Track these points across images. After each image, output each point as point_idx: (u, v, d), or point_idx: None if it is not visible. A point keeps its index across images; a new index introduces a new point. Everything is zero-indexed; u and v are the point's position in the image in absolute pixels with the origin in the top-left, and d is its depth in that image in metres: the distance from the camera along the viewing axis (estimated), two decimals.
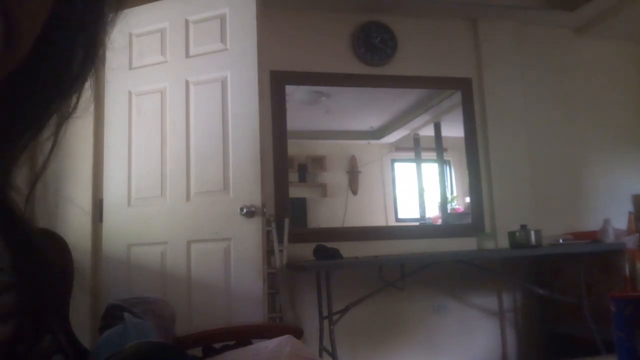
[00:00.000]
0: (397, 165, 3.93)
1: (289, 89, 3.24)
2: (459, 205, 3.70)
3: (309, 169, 3.60)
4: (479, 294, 3.30)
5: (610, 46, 3.86)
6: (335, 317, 2.63)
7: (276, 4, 3.16)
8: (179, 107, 2.46)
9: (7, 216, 0.35)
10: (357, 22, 3.36)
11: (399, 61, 3.40)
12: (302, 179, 3.55)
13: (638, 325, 0.73)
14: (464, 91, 3.49)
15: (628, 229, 3.14)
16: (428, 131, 3.82)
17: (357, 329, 3.04)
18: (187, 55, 2.48)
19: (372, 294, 2.83)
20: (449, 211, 3.68)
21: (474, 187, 3.42)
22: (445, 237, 3.31)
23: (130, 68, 2.57)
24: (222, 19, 2.43)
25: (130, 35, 2.58)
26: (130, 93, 2.56)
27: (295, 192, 3.30)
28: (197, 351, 1.70)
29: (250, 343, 1.61)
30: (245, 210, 2.23)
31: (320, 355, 2.71)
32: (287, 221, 2.92)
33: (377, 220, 3.69)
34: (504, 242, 3.09)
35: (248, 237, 2.26)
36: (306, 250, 2.84)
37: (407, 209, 3.80)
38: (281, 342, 1.23)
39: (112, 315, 1.44)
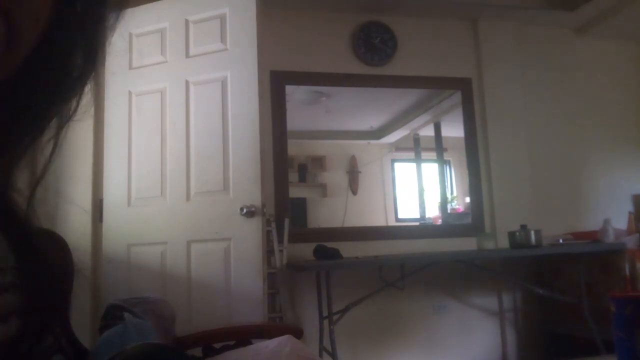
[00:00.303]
0: (397, 165, 3.93)
1: (289, 89, 3.24)
2: (459, 205, 3.69)
3: (309, 169, 3.60)
4: (479, 294, 3.30)
5: (610, 46, 3.87)
6: (335, 317, 2.63)
7: (276, 4, 3.16)
8: (179, 107, 2.46)
9: (9, 217, 0.35)
10: (357, 22, 3.36)
11: (399, 61, 3.40)
12: (302, 179, 3.55)
13: (638, 325, 0.73)
14: (464, 91, 3.49)
15: (628, 229, 3.14)
16: (428, 131, 3.82)
17: (357, 329, 3.04)
18: (187, 55, 2.48)
19: (372, 294, 2.83)
20: (449, 211, 3.68)
21: (474, 187, 3.42)
22: (445, 237, 3.31)
23: (130, 68, 2.57)
24: (222, 19, 2.43)
25: (130, 35, 2.58)
26: (130, 93, 2.56)
27: (295, 192, 3.30)
28: (197, 351, 1.70)
29: (250, 343, 1.61)
30: (245, 210, 2.23)
31: (320, 355, 2.71)
32: (287, 221, 2.92)
33: (377, 220, 3.69)
34: (504, 242, 3.09)
35: (248, 237, 2.26)
36: (306, 250, 2.84)
37: (407, 209, 3.80)
38: (281, 342, 1.23)
39: (112, 315, 1.43)
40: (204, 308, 2.26)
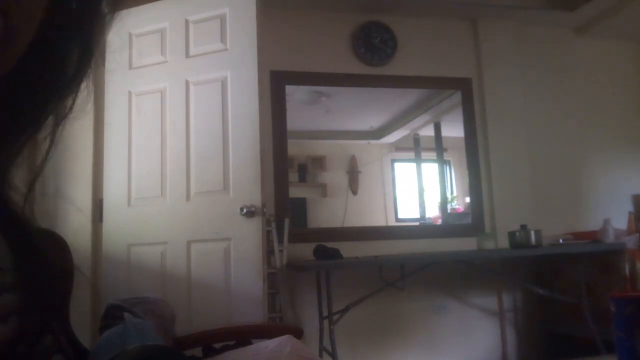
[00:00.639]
0: (397, 165, 3.93)
1: (289, 89, 3.24)
2: (459, 205, 3.70)
3: (309, 169, 3.60)
4: (479, 294, 3.30)
5: (610, 46, 3.86)
6: (335, 317, 2.63)
7: (276, 4, 3.16)
8: (179, 107, 2.46)
9: (8, 216, 0.35)
10: (357, 22, 3.36)
11: (399, 61, 3.39)
12: (302, 179, 3.55)
13: (638, 325, 0.73)
14: (464, 91, 3.49)
15: (628, 229, 3.14)
16: (428, 131, 3.82)
17: (357, 329, 3.04)
18: (187, 55, 2.48)
19: (372, 294, 2.83)
20: (449, 211, 3.68)
21: (474, 187, 3.42)
22: (445, 237, 3.31)
23: (130, 68, 2.57)
24: (222, 19, 2.43)
25: (130, 35, 2.58)
26: (130, 93, 2.56)
27: (295, 192, 3.30)
28: (197, 351, 1.70)
29: (250, 343, 1.61)
30: (245, 210, 2.23)
31: (320, 355, 2.71)
32: (287, 221, 2.92)
33: (377, 220, 3.69)
34: (504, 242, 3.09)
35: (248, 237, 2.26)
36: (306, 250, 2.84)
37: (407, 209, 3.80)
38: (281, 342, 1.23)
39: (112, 315, 1.43)
40: (204, 308, 2.26)
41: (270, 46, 2.94)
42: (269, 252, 2.67)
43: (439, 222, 3.64)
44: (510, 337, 3.32)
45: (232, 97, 2.38)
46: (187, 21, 2.49)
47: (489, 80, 3.48)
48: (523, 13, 3.47)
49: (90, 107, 2.55)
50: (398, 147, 3.94)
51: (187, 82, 2.46)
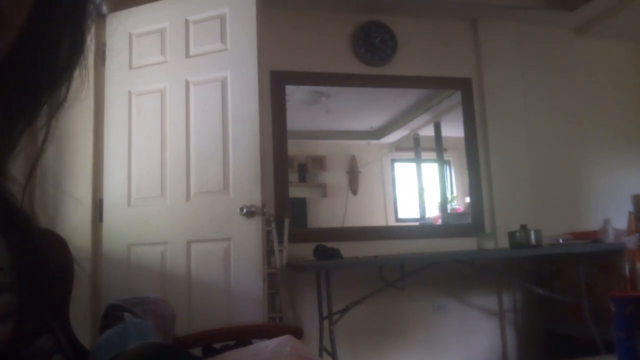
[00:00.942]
0: (397, 165, 3.93)
1: (289, 89, 3.24)
2: (459, 205, 3.69)
3: (309, 169, 3.60)
4: (479, 294, 3.30)
5: (610, 46, 3.86)
6: (335, 317, 2.63)
7: (276, 4, 3.16)
8: (179, 107, 2.46)
9: (9, 216, 0.35)
10: (357, 22, 3.36)
11: (399, 61, 3.39)
12: (302, 179, 3.55)
13: (638, 325, 0.73)
14: (464, 91, 3.49)
15: (628, 229, 3.14)
16: (428, 131, 3.82)
17: (357, 329, 3.04)
18: (187, 55, 2.48)
19: (372, 294, 2.83)
20: (449, 211, 3.68)
21: (474, 187, 3.42)
22: (445, 237, 3.31)
23: (130, 68, 2.57)
24: (222, 19, 2.43)
25: (130, 35, 2.58)
26: (130, 93, 2.56)
27: (295, 192, 3.30)
28: (197, 351, 1.70)
29: (250, 343, 1.61)
30: (245, 210, 2.23)
31: (320, 355, 2.71)
32: (287, 221, 2.92)
33: (377, 220, 3.69)
34: (504, 242, 3.09)
35: (248, 237, 2.26)
36: (306, 250, 2.84)
37: (407, 209, 3.80)
38: (281, 342, 1.22)
39: (112, 315, 1.43)
40: (204, 308, 2.26)
41: (270, 46, 2.94)
42: (269, 252, 2.67)
43: (439, 222, 3.64)
44: (510, 337, 3.32)
45: (232, 97, 2.38)
46: (187, 21, 2.49)
47: (489, 80, 3.48)
48: (523, 13, 3.47)
49: (90, 105, 2.56)
50: (398, 147, 3.94)
51: (187, 82, 2.47)
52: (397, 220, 3.76)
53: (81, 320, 2.19)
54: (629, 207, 3.51)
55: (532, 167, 3.46)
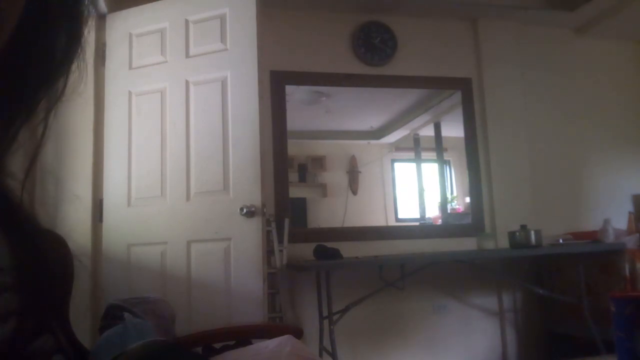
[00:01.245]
0: (397, 165, 3.92)
1: (289, 89, 3.24)
2: (459, 205, 3.69)
3: (309, 169, 3.60)
4: (479, 294, 3.30)
5: (610, 46, 3.87)
6: (335, 317, 2.63)
7: (276, 4, 3.16)
8: (179, 107, 2.46)
9: (10, 215, 0.35)
10: (357, 22, 3.36)
11: (399, 61, 3.40)
12: (302, 179, 3.55)
13: (638, 325, 0.73)
14: (464, 91, 3.49)
15: (628, 229, 3.14)
16: (428, 131, 3.82)
17: (357, 329, 3.04)
18: (187, 55, 2.48)
19: (372, 294, 2.83)
20: (449, 211, 3.68)
21: (474, 187, 3.42)
22: (445, 237, 3.31)
23: (130, 68, 2.57)
24: (222, 19, 2.43)
25: (130, 35, 2.58)
26: (130, 93, 2.56)
27: (295, 192, 3.30)
28: (197, 351, 1.70)
29: (250, 343, 1.61)
30: (245, 210, 2.23)
31: (320, 355, 2.71)
32: (287, 221, 2.92)
33: (377, 220, 3.69)
34: (504, 242, 3.09)
35: (248, 237, 2.26)
36: (306, 250, 2.84)
37: (407, 209, 3.80)
38: (281, 342, 1.22)
39: (112, 315, 1.43)
40: (204, 308, 2.26)
41: (270, 46, 2.94)
42: (269, 252, 2.67)
43: (439, 222, 3.64)
44: (510, 337, 3.32)
45: (232, 97, 2.38)
46: (187, 21, 2.49)
47: (489, 80, 3.48)
48: (523, 13, 3.47)
49: (90, 105, 2.56)
50: (398, 147, 3.94)
51: (187, 82, 2.46)
52: (397, 220, 3.76)
53: (81, 320, 2.20)
54: (629, 207, 3.51)
55: (532, 167, 3.46)
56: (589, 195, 3.60)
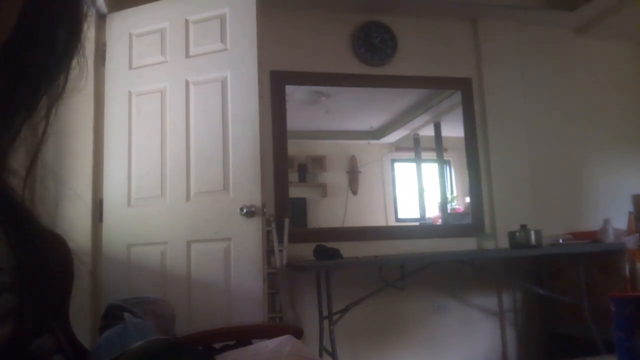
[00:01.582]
0: (397, 165, 3.93)
1: (289, 89, 3.24)
2: (459, 205, 3.69)
3: (309, 169, 3.60)
4: (479, 294, 3.30)
5: (610, 46, 3.86)
6: (335, 317, 2.63)
7: (276, 4, 3.16)
8: (179, 107, 2.46)
9: (10, 215, 0.34)
10: (357, 22, 3.36)
11: (399, 61, 3.39)
12: (302, 179, 3.55)
13: (638, 325, 0.73)
14: (464, 91, 3.49)
15: (628, 229, 3.14)
16: (428, 131, 3.82)
17: (357, 329, 3.04)
18: (187, 55, 2.48)
19: (372, 294, 2.83)
20: (449, 211, 3.68)
21: (474, 187, 3.42)
22: (445, 237, 3.31)
23: (130, 68, 2.57)
24: (222, 19, 2.43)
25: (130, 35, 2.58)
26: (130, 93, 2.56)
27: (295, 192, 3.30)
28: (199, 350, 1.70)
29: (250, 343, 1.61)
30: (245, 210, 2.23)
31: (320, 355, 2.71)
32: (287, 221, 2.92)
33: (377, 220, 3.69)
34: (504, 242, 3.09)
35: (248, 237, 2.26)
36: (306, 250, 2.84)
37: (407, 209, 3.80)
38: (281, 342, 1.22)
39: (112, 315, 1.44)
40: (204, 308, 2.26)
41: (270, 46, 2.94)
42: (269, 252, 2.67)
43: (439, 222, 3.64)
44: (510, 337, 3.32)
45: (232, 97, 2.38)
46: (187, 21, 2.49)
47: (489, 80, 3.48)
48: (523, 13, 3.47)
49: (90, 105, 2.56)
50: (398, 147, 3.94)
51: (187, 82, 2.46)
52: (397, 220, 3.76)
53: (81, 320, 2.20)
54: (629, 207, 3.51)
55: (532, 167, 3.46)
56: (589, 195, 3.60)
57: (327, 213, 3.64)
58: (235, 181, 2.31)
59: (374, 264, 2.87)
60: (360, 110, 3.77)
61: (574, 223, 3.44)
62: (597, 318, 2.72)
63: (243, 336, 1.72)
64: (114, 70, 2.59)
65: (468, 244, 3.24)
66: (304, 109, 3.51)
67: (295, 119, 3.26)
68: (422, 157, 3.86)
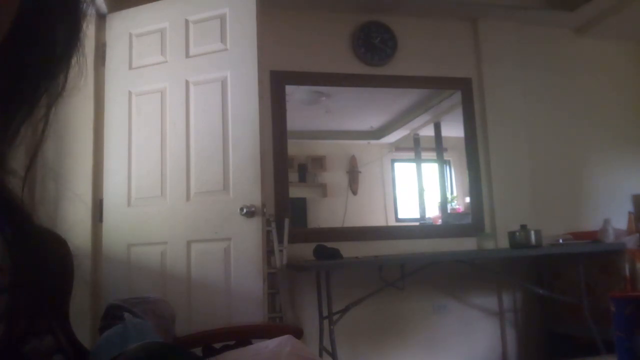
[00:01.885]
0: (397, 165, 3.92)
1: (289, 89, 3.24)
2: (459, 205, 3.69)
3: (309, 169, 3.60)
4: (479, 294, 3.30)
5: (610, 46, 3.87)
6: (335, 317, 2.63)
7: (276, 4, 3.16)
8: (179, 107, 2.46)
9: (9, 215, 0.34)
10: (357, 22, 3.36)
11: (399, 61, 3.40)
12: (302, 179, 3.55)
13: (638, 325, 0.73)
14: (464, 91, 3.49)
15: (628, 229, 3.14)
16: (428, 131, 3.82)
17: (357, 329, 3.04)
18: (187, 55, 2.48)
19: (372, 294, 2.83)
20: (449, 211, 3.68)
21: (474, 187, 3.42)
22: (445, 237, 3.31)
23: (130, 68, 2.57)
24: (222, 19, 2.43)
25: (130, 35, 2.58)
26: (130, 93, 2.56)
27: (295, 192, 3.30)
28: (197, 351, 1.70)
29: (250, 343, 1.61)
30: (245, 210, 2.23)
31: (320, 355, 2.71)
32: (287, 221, 2.92)
33: (377, 220, 3.69)
34: (504, 242, 3.09)
35: (248, 237, 2.26)
36: (306, 250, 2.84)
37: (407, 209, 3.80)
38: (281, 342, 1.22)
39: (112, 315, 1.43)
40: (204, 308, 2.26)
41: (270, 46, 2.94)
42: (269, 252, 2.68)
43: (439, 222, 3.64)
44: (510, 337, 3.32)
45: (232, 97, 2.38)
46: (187, 21, 2.49)
47: (489, 80, 3.48)
48: (523, 13, 3.47)
49: (90, 105, 2.56)
50: (398, 147, 3.94)
51: (187, 82, 2.46)
52: (397, 220, 3.76)
53: (81, 320, 2.20)
54: (629, 207, 3.51)
55: (532, 167, 3.46)
56: (589, 195, 3.60)
57: (327, 213, 3.64)
58: (235, 181, 2.31)
59: (374, 264, 2.87)
60: (360, 110, 3.77)
61: (574, 223, 3.44)
62: (597, 318, 2.72)
63: (243, 336, 1.72)
64: (114, 70, 2.59)
65: (468, 244, 3.24)
66: (304, 109, 3.51)
67: (295, 119, 3.26)
68: (422, 157, 3.86)
